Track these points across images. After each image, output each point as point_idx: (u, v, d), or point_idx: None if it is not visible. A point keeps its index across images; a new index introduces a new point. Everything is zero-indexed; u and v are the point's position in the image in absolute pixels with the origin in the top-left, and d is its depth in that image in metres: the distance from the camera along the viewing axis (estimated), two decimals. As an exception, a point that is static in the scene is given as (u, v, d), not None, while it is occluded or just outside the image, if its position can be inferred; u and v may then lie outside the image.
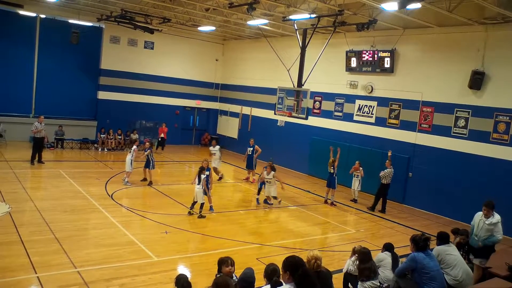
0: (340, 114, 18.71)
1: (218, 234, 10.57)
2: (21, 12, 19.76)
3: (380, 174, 14.22)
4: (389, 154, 14.82)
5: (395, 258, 7.25)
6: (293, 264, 4.75)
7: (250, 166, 17.08)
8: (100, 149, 21.07)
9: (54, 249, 8.47)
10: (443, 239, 7.42)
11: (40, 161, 16.36)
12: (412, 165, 15.45)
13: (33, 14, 20.32)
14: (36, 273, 7.34)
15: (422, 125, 15.56)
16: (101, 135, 21.29)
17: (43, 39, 20.93)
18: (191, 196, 12.14)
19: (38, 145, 16.36)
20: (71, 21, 20.62)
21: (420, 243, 6.50)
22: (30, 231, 9.34)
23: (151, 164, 14.88)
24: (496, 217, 8.15)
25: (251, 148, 16.87)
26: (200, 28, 21.38)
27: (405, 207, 15.10)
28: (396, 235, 12.03)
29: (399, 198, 15.91)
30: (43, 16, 20.64)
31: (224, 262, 5.52)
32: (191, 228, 10.84)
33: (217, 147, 16.99)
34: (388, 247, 7.53)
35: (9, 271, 7.29)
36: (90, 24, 21.39)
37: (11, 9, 19.50)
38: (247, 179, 17.41)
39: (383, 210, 14.36)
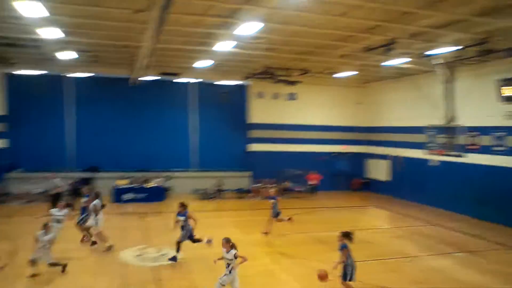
0: (501, 148, 16.75)
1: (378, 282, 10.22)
2: (175, 80, 23.20)
3: None
4: None
5: None
6: None
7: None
8: (255, 198, 22.41)
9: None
10: None
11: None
12: None
13: (186, 80, 23.56)
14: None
15: None
16: (256, 185, 22.84)
17: (198, 100, 24.02)
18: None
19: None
20: (219, 82, 23.48)
21: None
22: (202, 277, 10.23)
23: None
24: None
25: None
26: (336, 75, 21.79)
27: None
28: None
29: None
30: (194, 80, 23.69)
31: None
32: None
33: None
34: None
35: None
36: (236, 82, 24.02)
37: (168, 78, 23.02)
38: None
39: None
